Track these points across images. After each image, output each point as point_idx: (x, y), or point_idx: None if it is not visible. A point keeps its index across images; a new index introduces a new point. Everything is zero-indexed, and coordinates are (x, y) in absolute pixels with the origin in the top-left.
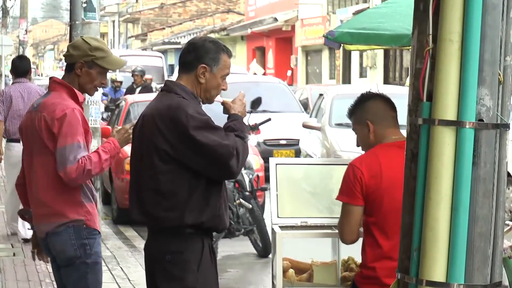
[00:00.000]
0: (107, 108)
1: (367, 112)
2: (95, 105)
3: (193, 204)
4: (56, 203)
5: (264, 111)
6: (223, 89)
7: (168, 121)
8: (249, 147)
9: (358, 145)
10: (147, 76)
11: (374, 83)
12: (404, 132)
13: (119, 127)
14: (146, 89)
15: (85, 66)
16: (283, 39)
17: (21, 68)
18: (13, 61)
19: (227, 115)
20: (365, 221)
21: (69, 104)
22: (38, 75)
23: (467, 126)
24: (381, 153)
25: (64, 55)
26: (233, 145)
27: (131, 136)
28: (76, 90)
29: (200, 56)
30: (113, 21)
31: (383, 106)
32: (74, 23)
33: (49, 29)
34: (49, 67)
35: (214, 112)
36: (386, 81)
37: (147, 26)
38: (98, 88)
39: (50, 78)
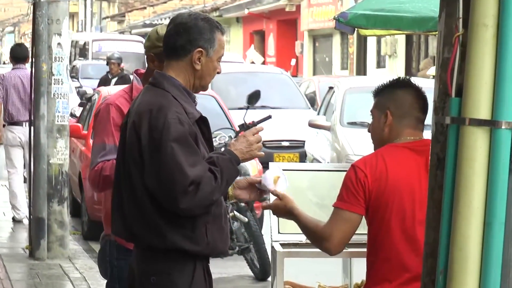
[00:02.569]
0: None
1: (392, 100)
2: (62, 98)
3: (176, 226)
4: (101, 213)
5: (263, 107)
6: (218, 72)
7: (145, 125)
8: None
9: (369, 131)
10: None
11: (393, 74)
12: (426, 134)
13: None
14: (123, 79)
15: (155, 59)
16: (287, 21)
17: (20, 54)
18: (12, 49)
19: (222, 111)
20: (369, 237)
21: (111, 99)
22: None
23: (503, 127)
24: (388, 154)
25: None
26: (196, 179)
27: None
28: (135, 83)
29: (193, 38)
30: None
31: (412, 102)
32: (38, 1)
33: (8, 8)
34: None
35: (203, 106)
36: (408, 72)
37: (125, 5)
38: None
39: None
